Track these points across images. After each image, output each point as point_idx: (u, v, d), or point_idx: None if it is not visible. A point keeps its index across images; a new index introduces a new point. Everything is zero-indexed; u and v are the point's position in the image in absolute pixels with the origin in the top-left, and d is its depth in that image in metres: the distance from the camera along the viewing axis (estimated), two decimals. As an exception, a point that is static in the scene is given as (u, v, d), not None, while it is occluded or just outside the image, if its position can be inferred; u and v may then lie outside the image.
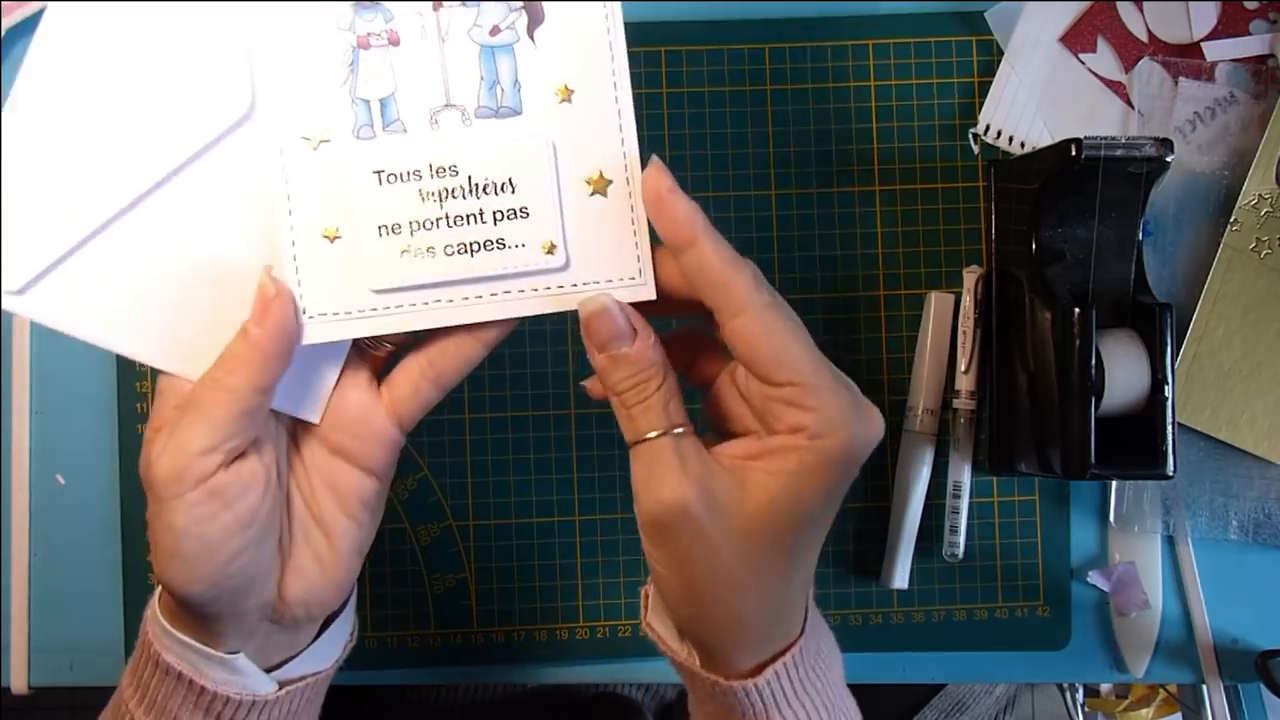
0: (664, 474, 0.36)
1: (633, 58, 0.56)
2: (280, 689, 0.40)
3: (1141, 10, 0.56)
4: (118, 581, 0.56)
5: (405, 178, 0.37)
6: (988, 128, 0.56)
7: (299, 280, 0.38)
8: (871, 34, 0.57)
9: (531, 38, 0.37)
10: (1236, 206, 0.55)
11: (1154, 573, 0.56)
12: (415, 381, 0.39)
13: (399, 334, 0.40)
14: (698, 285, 0.36)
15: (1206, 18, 0.56)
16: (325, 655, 0.42)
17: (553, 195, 0.38)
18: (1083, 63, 0.56)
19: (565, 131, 0.38)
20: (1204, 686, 0.58)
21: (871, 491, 0.57)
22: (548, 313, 0.39)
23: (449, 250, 0.38)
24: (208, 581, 0.36)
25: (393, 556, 0.56)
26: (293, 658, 0.41)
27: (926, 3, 0.57)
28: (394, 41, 0.37)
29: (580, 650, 0.57)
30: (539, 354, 0.56)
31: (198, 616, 0.38)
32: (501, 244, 0.38)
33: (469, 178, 0.37)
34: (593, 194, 0.38)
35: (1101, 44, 0.56)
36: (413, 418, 0.40)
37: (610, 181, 0.38)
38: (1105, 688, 0.90)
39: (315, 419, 0.39)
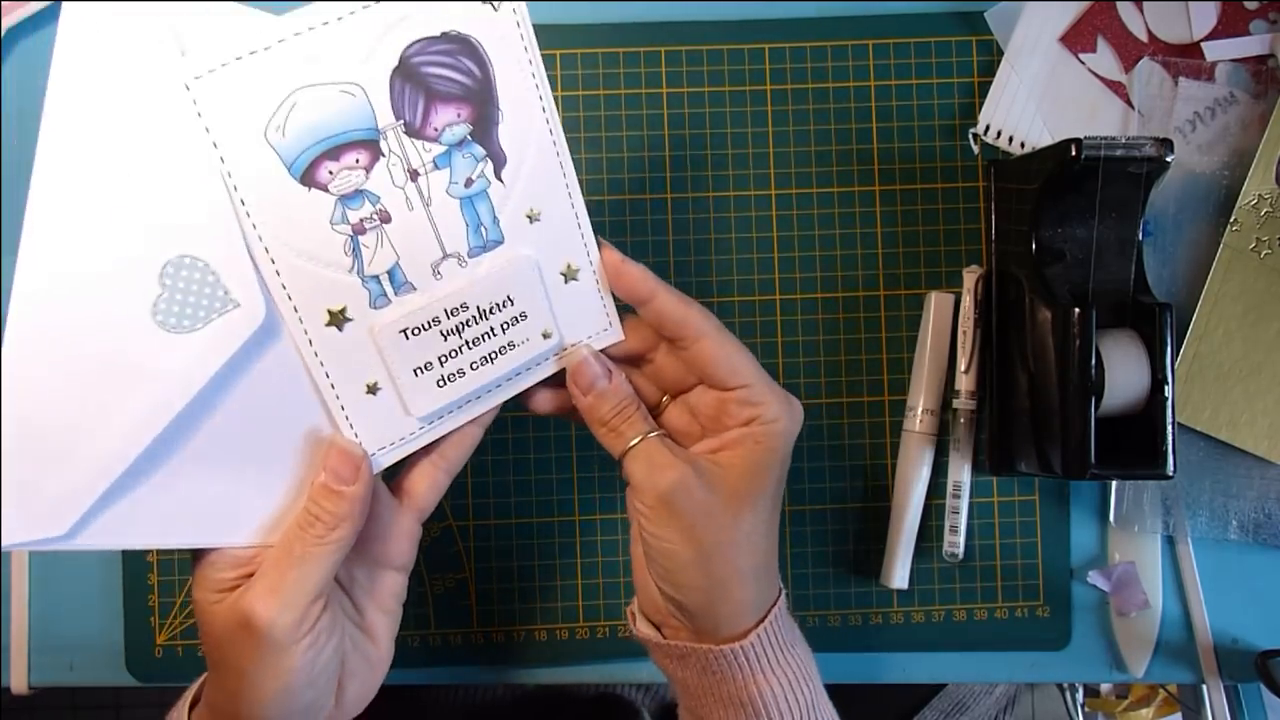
0: (661, 460, 0.44)
1: (632, 57, 0.56)
2: None
3: (1141, 10, 0.56)
4: (118, 581, 0.56)
5: (427, 326, 0.43)
6: (988, 128, 0.56)
7: (354, 431, 0.43)
8: (871, 34, 0.57)
9: (499, 178, 0.42)
10: (1236, 206, 0.55)
11: (1154, 573, 0.56)
12: (430, 477, 0.45)
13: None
14: (661, 326, 0.45)
15: (1206, 18, 0.56)
16: None
17: (542, 297, 0.44)
18: (1083, 63, 0.56)
19: (539, 244, 0.44)
20: (1204, 686, 0.58)
21: (871, 491, 0.57)
22: (539, 395, 0.47)
23: (474, 366, 0.44)
24: (302, 711, 0.41)
25: (393, 556, 0.56)
26: None
27: (926, 3, 0.57)
28: (385, 219, 0.41)
29: (580, 650, 0.57)
30: (539, 354, 0.56)
31: None
32: (512, 345, 0.44)
33: (477, 307, 0.43)
34: (567, 282, 0.45)
35: (1101, 44, 0.56)
36: (431, 506, 0.46)
37: (579, 269, 0.45)
38: (1105, 688, 0.90)
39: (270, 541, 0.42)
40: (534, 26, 0.41)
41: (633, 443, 0.45)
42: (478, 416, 0.46)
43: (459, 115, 0.41)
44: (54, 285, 0.36)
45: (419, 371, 0.43)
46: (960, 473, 0.56)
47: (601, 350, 0.46)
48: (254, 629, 0.39)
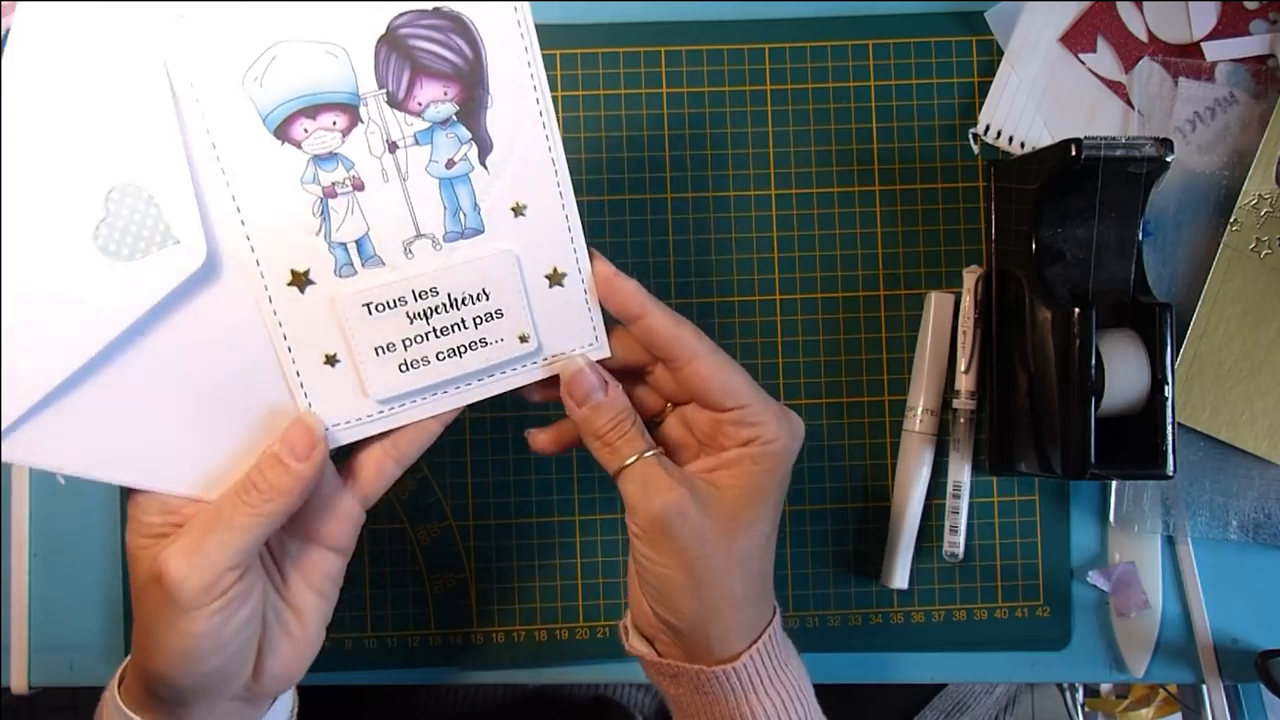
0: (657, 483, 0.42)
1: (632, 57, 0.56)
2: None
3: (1141, 10, 0.56)
4: (118, 581, 0.56)
5: (392, 305, 0.42)
6: (988, 128, 0.56)
7: (309, 402, 0.42)
8: (871, 34, 0.57)
9: (484, 165, 0.41)
10: (1236, 206, 0.55)
11: (1154, 573, 0.56)
12: (380, 463, 0.44)
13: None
14: (651, 344, 0.44)
15: (1206, 18, 0.56)
16: (277, 717, 0.45)
17: (520, 296, 0.43)
18: (1083, 63, 0.56)
19: (523, 240, 0.42)
20: (1204, 686, 0.58)
21: (871, 491, 0.57)
22: (528, 383, 0.45)
23: (440, 356, 0.43)
24: (208, 675, 0.40)
25: (393, 556, 0.56)
26: None
27: (926, 3, 0.57)
28: (358, 187, 0.40)
29: (580, 650, 0.57)
30: (539, 354, 0.56)
31: (175, 703, 0.41)
32: (484, 343, 0.43)
33: (449, 295, 0.42)
34: (551, 286, 0.43)
35: (1101, 44, 0.56)
36: (377, 495, 0.44)
37: (565, 274, 0.43)
38: (1105, 688, 0.90)
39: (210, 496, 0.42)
40: (534, 26, 0.41)
41: (628, 461, 0.43)
42: (440, 414, 0.44)
43: (445, 93, 0.40)
44: (4, 197, 0.36)
45: (380, 351, 0.42)
46: (960, 473, 0.56)
47: None
48: (164, 584, 0.38)
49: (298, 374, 0.42)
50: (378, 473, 0.44)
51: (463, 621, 0.56)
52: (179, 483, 0.41)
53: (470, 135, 0.41)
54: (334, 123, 0.39)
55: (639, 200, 0.57)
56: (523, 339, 0.43)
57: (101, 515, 0.56)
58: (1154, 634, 0.56)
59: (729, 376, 0.43)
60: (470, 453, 0.56)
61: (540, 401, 0.46)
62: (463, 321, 0.42)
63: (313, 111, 0.39)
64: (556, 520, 0.57)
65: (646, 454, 0.43)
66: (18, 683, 0.56)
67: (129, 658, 0.43)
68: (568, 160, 0.42)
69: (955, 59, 0.57)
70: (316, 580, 0.44)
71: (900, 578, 0.55)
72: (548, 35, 0.56)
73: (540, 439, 0.47)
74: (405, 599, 0.56)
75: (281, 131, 0.39)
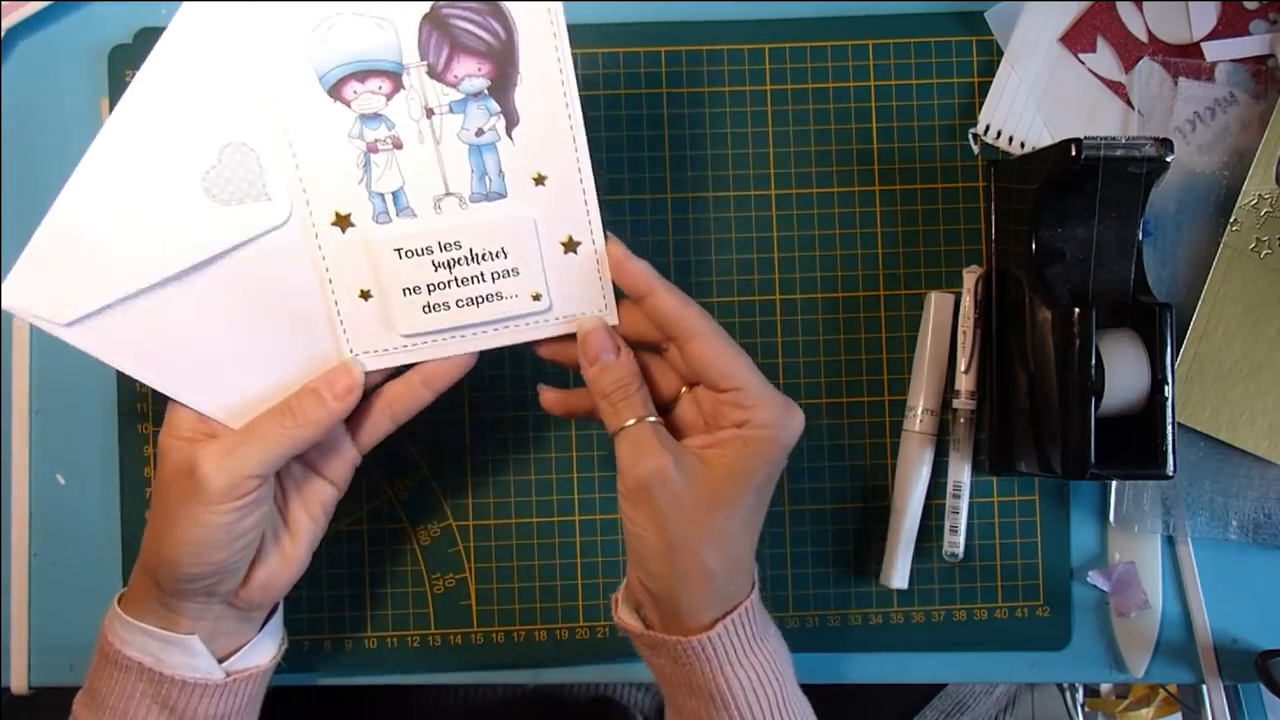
0: (647, 447, 0.45)
1: (631, 57, 0.56)
2: (228, 677, 0.48)
3: (1141, 10, 0.56)
4: (118, 581, 0.56)
5: (420, 252, 0.47)
6: (988, 128, 0.56)
7: (345, 329, 0.48)
8: (871, 34, 0.57)
9: (510, 136, 0.45)
10: (1236, 206, 0.55)
11: (1154, 573, 0.56)
12: (376, 419, 0.49)
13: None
14: (658, 322, 0.46)
15: (1206, 18, 0.56)
16: (263, 651, 0.50)
17: (536, 258, 0.47)
18: (1083, 63, 0.56)
19: (542, 207, 0.46)
20: (1204, 686, 0.58)
21: (871, 491, 0.57)
22: (537, 338, 0.49)
23: (460, 303, 0.47)
24: (212, 566, 0.45)
25: (393, 556, 0.56)
26: (235, 653, 0.48)
27: (926, 3, 0.57)
28: (397, 145, 0.45)
29: (580, 650, 0.57)
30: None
31: (175, 597, 0.46)
32: (499, 296, 0.47)
33: (470, 249, 0.47)
34: (566, 253, 0.47)
35: (1101, 44, 0.56)
36: (373, 443, 0.49)
37: (579, 242, 0.47)
38: (1105, 688, 0.90)
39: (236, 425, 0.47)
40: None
41: (627, 423, 0.46)
42: (428, 382, 0.48)
43: (479, 69, 0.45)
44: (140, 132, 0.44)
45: (408, 292, 0.47)
46: (960, 473, 0.56)
47: None
48: (193, 476, 0.43)
49: (336, 303, 0.47)
50: (373, 426, 0.49)
51: (463, 621, 0.56)
52: (212, 405, 0.47)
53: (500, 109, 0.45)
54: (379, 87, 0.45)
55: (639, 200, 0.57)
56: (535, 297, 0.47)
57: (102, 515, 0.56)
58: (1154, 634, 0.56)
59: (729, 358, 0.46)
60: (470, 453, 0.56)
61: (547, 359, 0.50)
62: (482, 275, 0.47)
63: (362, 75, 0.44)
64: (556, 520, 0.57)
65: (646, 419, 0.46)
66: (18, 683, 0.56)
67: (125, 588, 0.49)
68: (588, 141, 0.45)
69: (955, 59, 0.57)
70: (314, 507, 0.49)
71: (900, 578, 0.55)
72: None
73: (549, 396, 0.50)
74: (405, 599, 0.56)
75: (335, 91, 0.45)
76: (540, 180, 0.46)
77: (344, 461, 0.49)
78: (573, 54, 0.44)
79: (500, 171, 0.46)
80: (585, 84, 0.56)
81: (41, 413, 0.56)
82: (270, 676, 0.51)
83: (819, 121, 0.57)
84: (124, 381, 0.56)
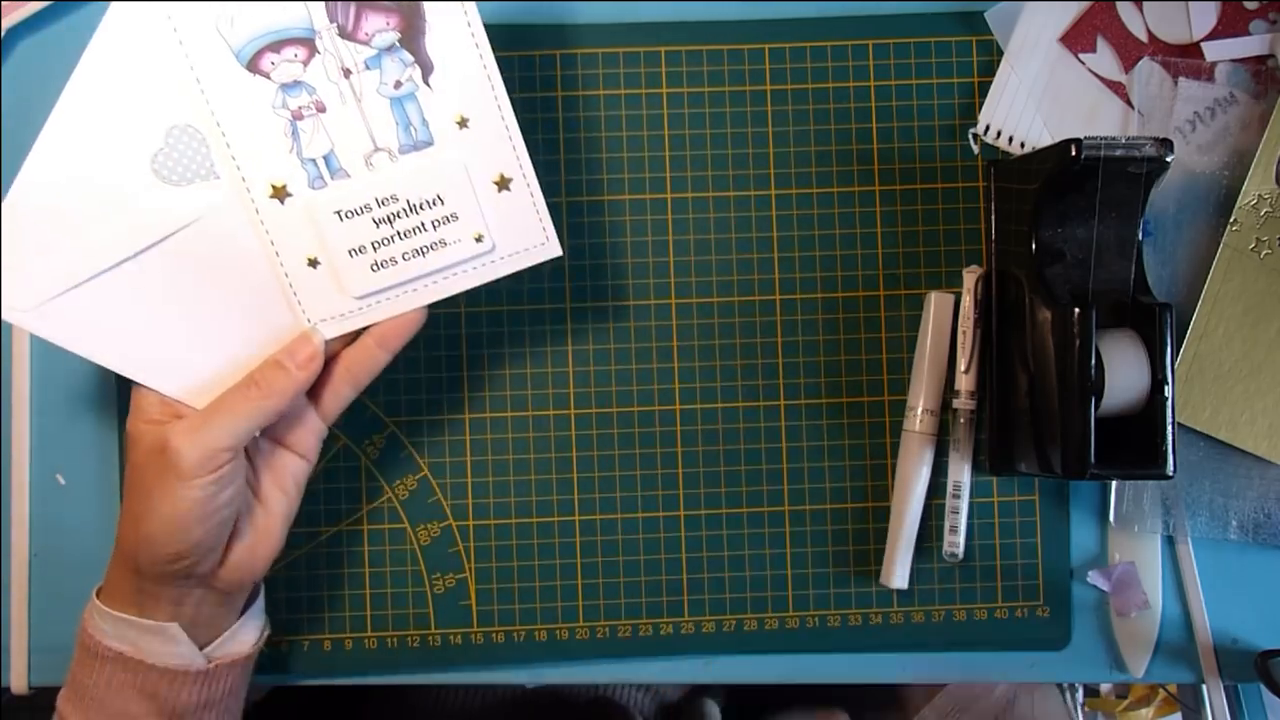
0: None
1: (632, 57, 0.56)
2: (210, 664, 0.48)
3: (1141, 10, 0.56)
4: (118, 581, 0.56)
5: (359, 211, 0.47)
6: (988, 128, 0.56)
7: (299, 300, 0.48)
8: (871, 34, 0.57)
9: (427, 83, 0.47)
10: (1236, 206, 0.55)
11: (1154, 573, 0.56)
12: (337, 386, 0.50)
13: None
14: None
15: (1206, 18, 0.56)
16: (245, 638, 0.50)
17: (472, 200, 0.48)
18: (1083, 63, 0.56)
19: (469, 149, 0.47)
20: (1204, 686, 0.58)
21: (871, 491, 0.57)
22: (487, 280, 0.49)
23: (406, 256, 0.48)
24: (191, 544, 0.45)
25: (393, 556, 0.56)
26: (216, 640, 0.49)
27: (926, 3, 0.57)
28: (321, 109, 0.46)
29: (580, 650, 0.57)
30: (539, 354, 0.56)
31: (151, 586, 0.46)
32: (444, 243, 0.48)
33: (407, 201, 0.48)
34: (500, 191, 0.48)
35: (1101, 44, 0.56)
36: (337, 411, 0.50)
37: (511, 179, 0.48)
38: (1105, 688, 0.90)
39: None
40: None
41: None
42: (382, 343, 0.49)
43: (388, 23, 0.46)
44: (85, 121, 0.45)
45: (354, 253, 0.48)
46: (960, 473, 0.56)
47: (537, 265, 0.49)
48: (166, 454, 0.44)
49: (286, 275, 0.48)
50: (334, 393, 0.49)
51: (463, 621, 0.56)
52: (176, 387, 0.48)
53: (413, 58, 0.46)
54: (295, 55, 0.46)
55: (639, 200, 0.57)
56: (478, 239, 0.48)
57: (101, 515, 0.56)
58: (1154, 634, 0.56)
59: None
60: (470, 453, 0.56)
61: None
62: (423, 225, 0.48)
63: (277, 46, 0.45)
64: (556, 520, 0.57)
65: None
66: (18, 683, 0.56)
67: (101, 582, 0.49)
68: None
69: (955, 59, 0.57)
70: (285, 481, 0.49)
71: (900, 578, 0.55)
72: (547, 35, 0.56)
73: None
74: (405, 599, 0.56)
75: (252, 65, 0.46)
76: (463, 123, 0.47)
77: (310, 432, 0.49)
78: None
79: (424, 120, 0.47)
80: (585, 84, 0.56)
81: (41, 413, 0.56)
82: (253, 664, 0.51)
83: (819, 121, 0.57)
84: (123, 382, 0.56)
